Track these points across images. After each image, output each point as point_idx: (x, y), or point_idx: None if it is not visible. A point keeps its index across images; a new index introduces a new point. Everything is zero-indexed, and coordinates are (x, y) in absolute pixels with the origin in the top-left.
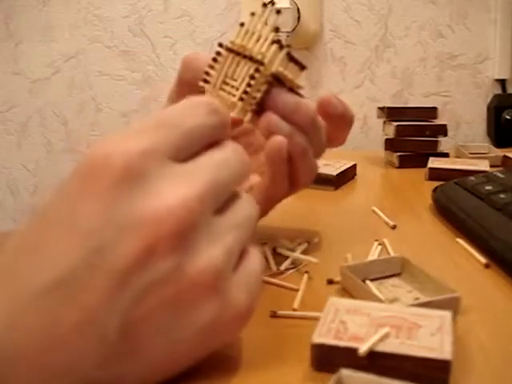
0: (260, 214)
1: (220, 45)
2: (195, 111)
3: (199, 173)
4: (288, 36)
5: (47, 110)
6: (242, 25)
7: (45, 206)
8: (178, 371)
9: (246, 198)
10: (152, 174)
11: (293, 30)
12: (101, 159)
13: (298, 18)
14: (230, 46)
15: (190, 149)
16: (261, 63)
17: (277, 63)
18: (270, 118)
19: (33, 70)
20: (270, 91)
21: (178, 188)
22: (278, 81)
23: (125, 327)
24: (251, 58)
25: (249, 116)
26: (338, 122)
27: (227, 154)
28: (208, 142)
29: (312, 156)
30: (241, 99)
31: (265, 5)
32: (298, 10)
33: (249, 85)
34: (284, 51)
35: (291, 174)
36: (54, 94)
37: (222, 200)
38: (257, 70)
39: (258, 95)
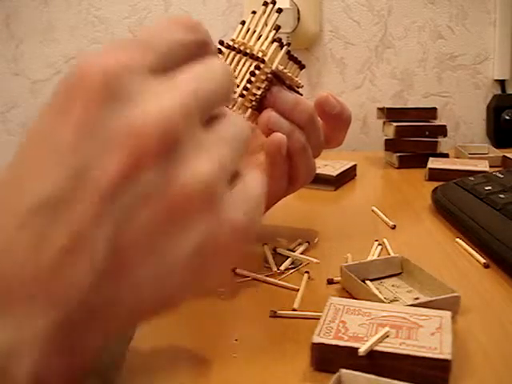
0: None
1: (221, 42)
2: (174, 28)
3: (181, 84)
4: (288, 37)
5: None
6: (242, 23)
7: (28, 132)
8: (171, 301)
9: (235, 115)
10: (132, 87)
11: (293, 30)
12: (80, 76)
13: (298, 18)
14: (230, 43)
15: (171, 64)
16: (261, 61)
17: (277, 61)
18: (270, 114)
19: (33, 71)
20: (269, 88)
21: (159, 100)
22: (277, 78)
23: (113, 248)
24: (252, 56)
25: (248, 112)
26: (335, 121)
27: (211, 66)
28: (189, 58)
29: (310, 154)
30: (241, 95)
31: (266, 4)
32: (298, 10)
33: (249, 81)
34: (284, 50)
35: (290, 171)
36: None
37: (209, 113)
38: (257, 68)
39: (259, 92)
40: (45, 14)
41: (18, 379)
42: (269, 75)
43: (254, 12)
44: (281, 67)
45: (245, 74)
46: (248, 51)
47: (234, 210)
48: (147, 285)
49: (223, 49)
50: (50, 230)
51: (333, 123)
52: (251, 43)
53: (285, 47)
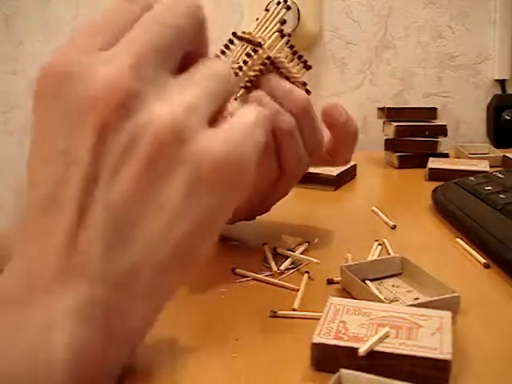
0: (251, 206)
1: (234, 34)
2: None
3: (127, 41)
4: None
5: None
6: (257, 19)
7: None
8: (189, 252)
9: (214, 60)
10: (82, 66)
11: (293, 30)
12: (40, 79)
13: (298, 18)
14: (240, 34)
15: (119, 34)
16: (259, 45)
17: (276, 49)
18: (259, 94)
19: (34, 71)
20: (265, 74)
21: (107, 64)
22: (276, 68)
23: (112, 209)
24: (252, 42)
25: (241, 92)
26: (342, 133)
27: (164, 7)
28: (134, 21)
29: (300, 143)
30: (235, 74)
31: (279, 3)
32: (298, 10)
33: (244, 62)
34: (284, 40)
35: (279, 159)
36: None
37: (174, 55)
38: (254, 51)
39: (252, 74)
40: (45, 14)
41: (55, 349)
42: (265, 60)
43: (267, 9)
44: (279, 55)
45: (241, 55)
46: (251, 39)
47: (210, 139)
48: (159, 240)
49: (235, 39)
50: (54, 219)
51: (339, 134)
52: (257, 34)
53: (285, 37)
